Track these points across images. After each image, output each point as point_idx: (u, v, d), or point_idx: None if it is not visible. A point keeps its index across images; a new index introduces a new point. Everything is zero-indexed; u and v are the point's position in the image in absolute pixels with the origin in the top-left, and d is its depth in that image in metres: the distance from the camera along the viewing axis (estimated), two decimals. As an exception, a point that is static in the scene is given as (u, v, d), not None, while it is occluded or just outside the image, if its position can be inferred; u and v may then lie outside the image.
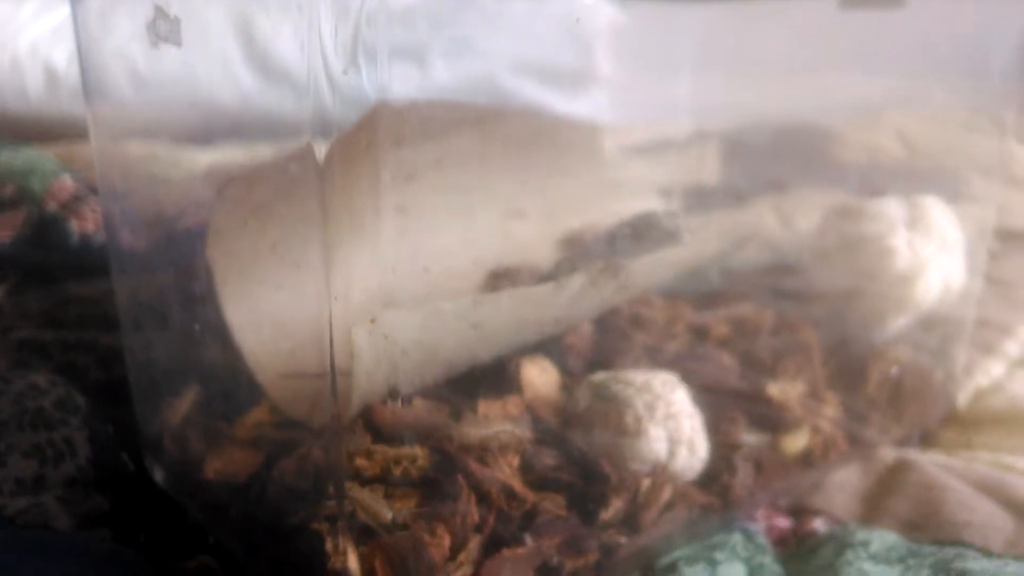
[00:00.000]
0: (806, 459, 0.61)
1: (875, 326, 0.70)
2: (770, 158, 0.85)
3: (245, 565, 0.51)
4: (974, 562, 0.51)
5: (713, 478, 0.56)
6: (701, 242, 0.65)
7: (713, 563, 0.53)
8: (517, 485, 0.46)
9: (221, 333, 0.58)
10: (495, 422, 0.48)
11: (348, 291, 0.64)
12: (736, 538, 0.55)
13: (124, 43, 0.54)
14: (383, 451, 0.45)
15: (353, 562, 0.42)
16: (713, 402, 0.60)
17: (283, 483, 0.46)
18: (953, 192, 0.73)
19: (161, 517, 0.57)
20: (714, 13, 0.92)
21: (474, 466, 0.45)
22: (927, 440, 0.73)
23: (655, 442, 0.51)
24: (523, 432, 0.49)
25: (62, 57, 1.26)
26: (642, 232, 0.58)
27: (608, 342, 0.64)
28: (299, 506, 0.45)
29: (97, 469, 0.61)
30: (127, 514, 0.58)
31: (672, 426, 0.52)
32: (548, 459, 0.49)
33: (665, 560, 0.53)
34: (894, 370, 0.67)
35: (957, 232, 0.69)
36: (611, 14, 1.33)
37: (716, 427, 0.58)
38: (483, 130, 0.73)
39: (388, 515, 0.43)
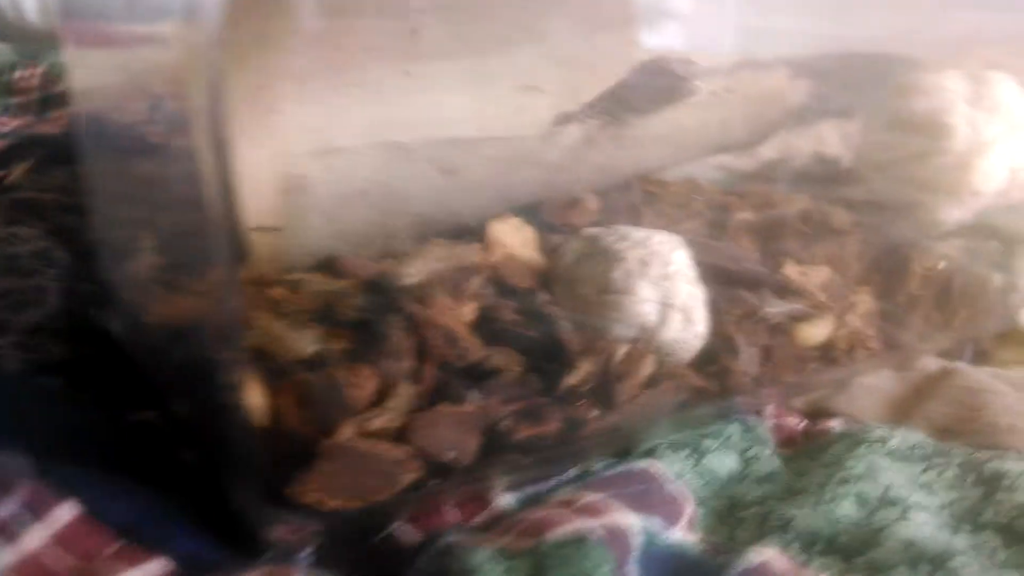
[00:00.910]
0: (826, 353, 0.52)
1: (927, 221, 0.60)
2: (840, 85, 0.78)
3: (181, 415, 0.46)
4: (1013, 463, 0.42)
5: (712, 359, 0.48)
6: (721, 113, 0.57)
7: (701, 451, 0.45)
8: (463, 332, 0.39)
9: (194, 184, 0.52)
10: (449, 265, 0.41)
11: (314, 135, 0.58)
12: (733, 428, 0.47)
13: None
14: (313, 283, 0.39)
15: (258, 400, 0.36)
16: (725, 281, 0.52)
17: (207, 321, 0.40)
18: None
19: (115, 370, 0.53)
20: None
21: (414, 307, 0.38)
22: (981, 357, 0.64)
23: (644, 303, 0.44)
24: (483, 282, 0.42)
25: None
26: (649, 80, 0.49)
27: (614, 216, 0.56)
28: (220, 344, 0.39)
29: (64, 320, 0.57)
30: (83, 365, 0.53)
31: (667, 287, 0.44)
32: (507, 313, 0.42)
33: (646, 444, 0.45)
34: (941, 266, 0.57)
35: (1030, 116, 0.59)
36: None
37: (723, 307, 0.50)
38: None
39: (308, 349, 0.37)
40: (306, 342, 0.37)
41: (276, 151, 0.55)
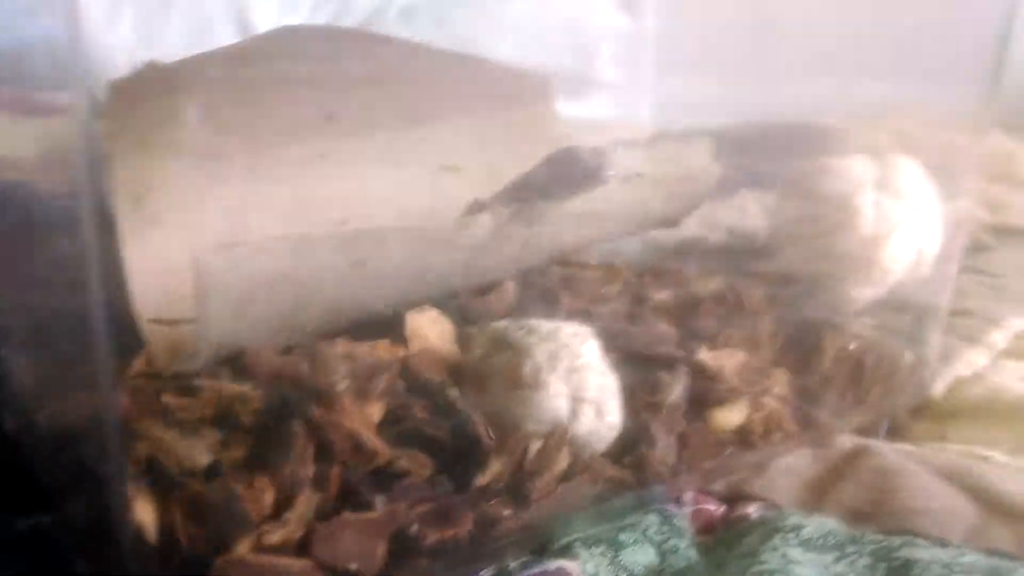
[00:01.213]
0: (743, 437, 0.52)
1: (839, 300, 0.61)
2: (760, 155, 0.80)
3: (76, 521, 0.44)
4: (923, 551, 0.43)
5: (627, 449, 0.47)
6: (638, 194, 0.57)
7: (617, 545, 0.44)
8: (368, 437, 0.37)
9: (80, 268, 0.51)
10: (356, 363, 0.40)
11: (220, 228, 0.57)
12: (650, 519, 0.47)
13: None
14: (211, 389, 0.37)
15: (147, 515, 0.34)
16: (640, 368, 0.52)
17: (91, 425, 0.38)
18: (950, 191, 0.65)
19: (6, 470, 0.50)
20: (721, 19, 0.88)
21: (317, 411, 0.37)
22: (896, 431, 0.64)
23: (554, 398, 0.43)
24: (392, 381, 0.41)
25: None
26: (560, 168, 0.49)
27: (530, 301, 0.56)
28: (104, 452, 0.38)
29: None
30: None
31: (577, 381, 0.44)
32: (419, 412, 0.41)
33: (562, 540, 0.44)
34: (852, 346, 0.58)
35: (933, 199, 0.61)
36: (615, 19, 1.28)
37: (638, 394, 0.49)
38: (416, 74, 0.66)
39: (204, 460, 0.36)
40: (200, 451, 0.36)
41: (177, 241, 0.53)
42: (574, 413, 0.43)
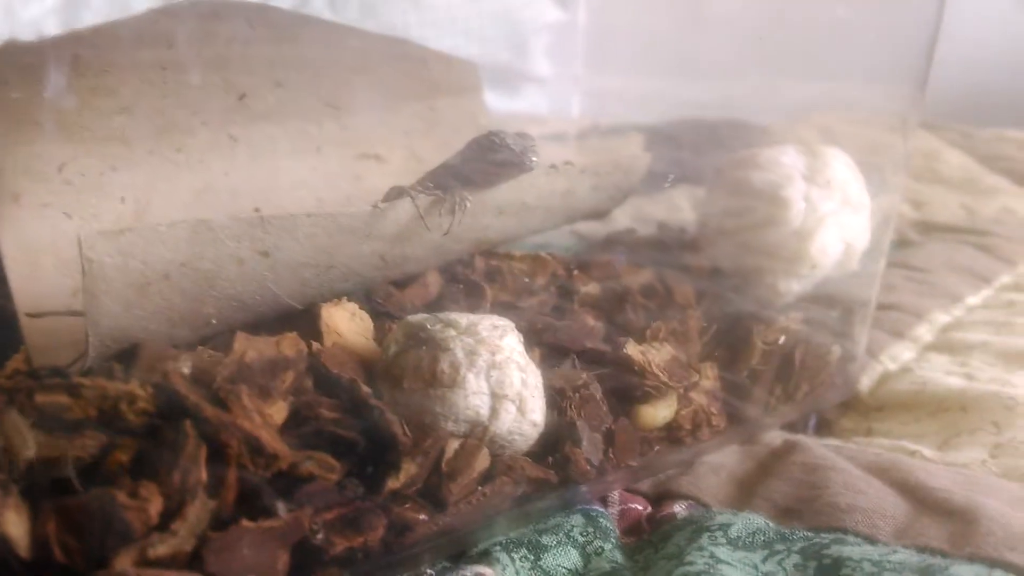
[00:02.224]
0: (671, 434, 0.51)
1: (768, 293, 0.60)
2: (689, 150, 0.80)
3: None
4: (853, 548, 0.41)
5: (551, 448, 0.45)
6: (566, 184, 0.55)
7: (538, 548, 0.42)
8: (268, 438, 0.34)
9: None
10: (259, 361, 0.37)
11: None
12: (574, 520, 0.44)
13: None
14: (93, 388, 0.34)
15: (18, 527, 0.30)
16: (567, 365, 0.50)
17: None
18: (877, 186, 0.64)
19: None
20: (655, 15, 0.87)
21: (210, 411, 0.34)
22: (824, 427, 0.64)
23: (473, 395, 0.41)
24: (298, 378, 0.38)
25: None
26: (483, 154, 0.47)
27: (453, 293, 0.53)
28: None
29: None
30: None
31: (497, 377, 0.41)
32: (327, 411, 0.38)
33: (481, 545, 0.42)
34: (781, 340, 0.57)
35: (863, 191, 0.60)
36: (548, 12, 1.26)
37: (562, 391, 0.47)
38: (337, 56, 0.63)
39: (81, 465, 0.32)
40: (75, 455, 0.32)
41: (65, 230, 0.49)
42: (494, 411, 0.41)
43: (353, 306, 0.46)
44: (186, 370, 0.35)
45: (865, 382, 0.67)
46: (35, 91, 0.50)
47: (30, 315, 0.46)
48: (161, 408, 0.34)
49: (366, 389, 0.39)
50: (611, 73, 0.95)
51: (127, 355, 0.42)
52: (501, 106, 0.81)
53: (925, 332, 0.75)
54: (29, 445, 0.31)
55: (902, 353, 0.72)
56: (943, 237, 1.01)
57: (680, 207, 0.96)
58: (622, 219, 0.72)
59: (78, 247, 0.39)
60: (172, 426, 0.34)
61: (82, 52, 0.50)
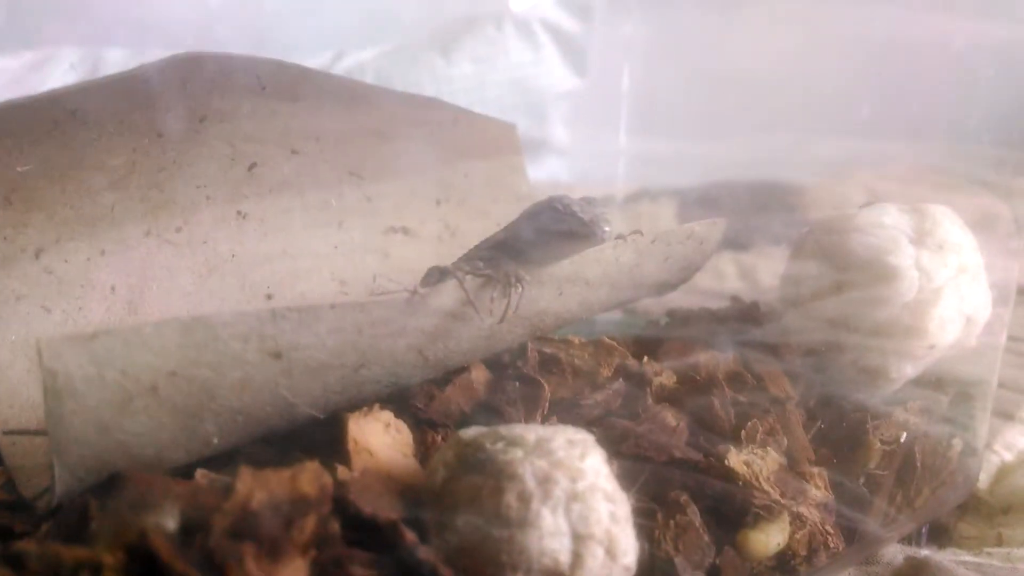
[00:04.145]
0: (784, 563, 0.40)
1: (874, 379, 0.50)
2: (732, 213, 0.72)
3: None
4: None
5: (646, 596, 0.35)
6: (634, 256, 0.46)
7: None
8: (283, 618, 0.25)
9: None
10: (269, 506, 0.27)
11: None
12: None
13: None
14: (44, 557, 0.24)
15: None
16: (651, 479, 0.40)
17: None
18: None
19: None
20: (683, 74, 0.82)
21: (203, 583, 0.24)
22: (940, 534, 0.53)
23: (550, 537, 0.31)
24: (322, 524, 0.28)
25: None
26: (543, 224, 0.38)
27: (505, 392, 0.44)
28: None
29: None
30: None
31: (580, 512, 0.31)
32: (359, 569, 0.28)
33: None
34: (903, 437, 0.47)
35: (976, 253, 0.50)
36: (568, 80, 1.20)
37: (652, 516, 0.37)
38: (359, 118, 0.54)
39: None
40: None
41: (46, 327, 0.41)
42: (578, 557, 0.31)
43: (388, 415, 0.37)
44: (171, 523, 0.26)
45: (983, 478, 0.56)
46: (5, 163, 0.42)
47: (8, 433, 0.37)
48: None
49: (410, 535, 0.29)
50: (639, 137, 0.89)
51: (107, 488, 0.32)
52: (535, 174, 0.73)
53: (1038, 413, 0.64)
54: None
55: (1017, 440, 0.61)
56: (1025, 301, 0.91)
57: (725, 274, 0.87)
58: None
59: (38, 355, 0.30)
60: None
61: (62, 116, 0.42)
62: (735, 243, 0.87)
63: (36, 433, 0.37)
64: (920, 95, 0.60)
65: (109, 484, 0.33)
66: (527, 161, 0.66)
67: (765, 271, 0.83)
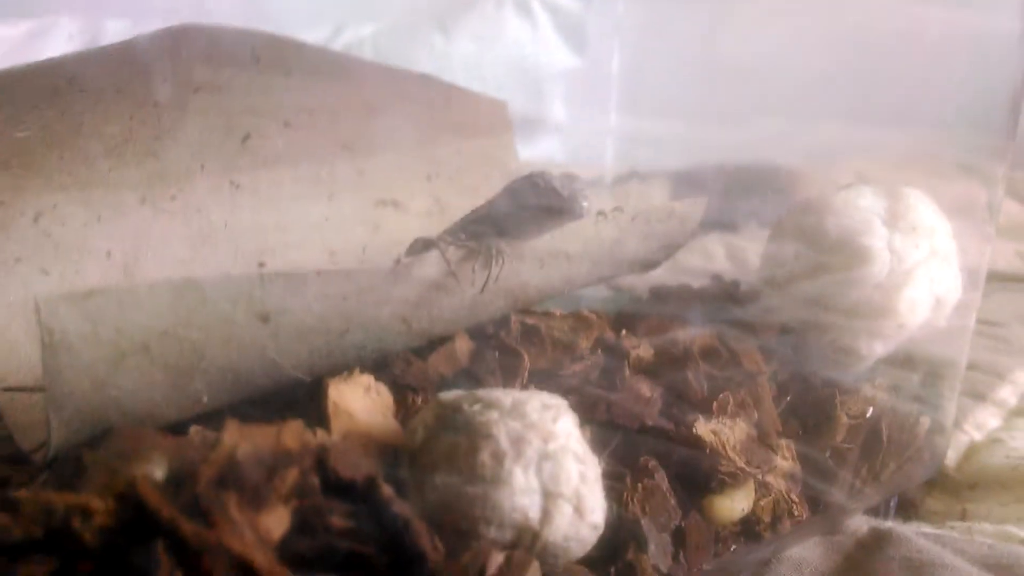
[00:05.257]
0: (747, 528, 0.42)
1: (846, 356, 0.52)
2: (723, 195, 0.73)
3: None
4: None
5: (611, 554, 0.36)
6: (615, 232, 0.47)
7: None
8: (263, 562, 0.26)
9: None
10: (253, 458, 0.29)
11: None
12: (642, 644, 0.36)
13: None
14: (35, 503, 0.26)
15: None
16: (622, 445, 0.41)
17: None
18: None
19: None
20: (677, 56, 0.82)
21: (188, 528, 0.26)
22: (908, 508, 0.55)
23: (522, 494, 0.33)
24: (303, 478, 0.30)
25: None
26: (524, 199, 0.39)
27: (486, 361, 0.45)
28: None
29: None
30: None
31: (550, 471, 0.33)
32: (339, 519, 0.30)
33: None
34: (869, 412, 0.48)
35: (949, 237, 0.52)
36: (567, 58, 1.21)
37: (622, 479, 0.39)
38: (352, 92, 0.56)
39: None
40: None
41: (42, 288, 0.42)
42: (547, 513, 0.33)
43: (368, 378, 0.38)
44: (159, 473, 0.28)
45: (951, 455, 0.58)
46: (5, 129, 0.43)
47: (5, 389, 0.38)
48: (126, 525, 0.26)
49: (387, 490, 0.31)
50: (635, 118, 0.90)
51: (101, 442, 0.34)
52: (526, 153, 0.75)
53: (1009, 395, 0.66)
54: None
55: (988, 420, 0.63)
56: (1006, 286, 0.93)
57: (713, 254, 0.88)
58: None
59: (36, 313, 0.32)
60: (140, 548, 0.26)
61: (61, 84, 0.43)
62: (725, 224, 0.88)
63: (33, 390, 0.39)
64: (911, 81, 0.60)
65: (103, 438, 0.34)
66: (524, 139, 0.67)
67: (753, 252, 0.85)
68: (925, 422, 0.52)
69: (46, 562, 0.26)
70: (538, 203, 0.39)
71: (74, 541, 0.26)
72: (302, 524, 0.29)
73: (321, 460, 0.30)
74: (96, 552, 0.26)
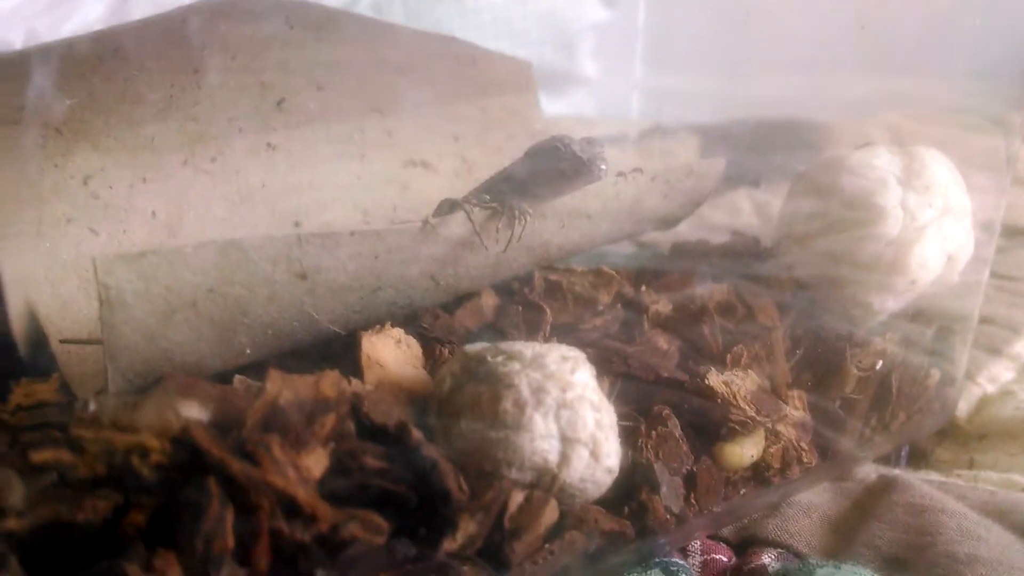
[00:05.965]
0: (757, 474, 0.44)
1: (859, 310, 0.53)
2: (749, 151, 0.74)
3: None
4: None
5: (626, 495, 0.39)
6: (635, 191, 0.49)
7: (615, 614, 0.36)
8: (304, 496, 0.29)
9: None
10: (294, 404, 0.32)
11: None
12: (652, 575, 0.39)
13: None
14: (97, 442, 0.29)
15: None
16: (638, 395, 0.44)
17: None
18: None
19: None
20: (707, 11, 0.82)
21: (237, 467, 0.29)
22: (918, 458, 0.57)
23: (541, 439, 0.35)
24: (340, 423, 0.33)
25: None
26: (546, 162, 0.41)
27: (510, 315, 0.47)
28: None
29: None
30: None
31: (568, 418, 0.36)
32: (373, 461, 0.32)
33: (550, 609, 0.36)
34: (878, 365, 0.50)
35: (963, 195, 0.53)
36: (596, 11, 1.20)
37: (637, 427, 0.41)
38: (382, 56, 0.57)
39: (81, 530, 0.27)
40: (86, 518, 0.27)
41: (93, 246, 0.45)
42: (565, 457, 0.35)
43: (398, 332, 0.41)
44: (203, 418, 0.30)
45: (963, 407, 0.60)
46: (57, 97, 0.46)
47: (64, 341, 0.41)
48: (179, 462, 0.29)
49: (417, 434, 0.33)
50: (665, 72, 0.90)
51: (154, 386, 0.37)
52: (549, 108, 0.76)
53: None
54: (19, 508, 0.26)
55: (1001, 374, 0.64)
56: (1028, 242, 0.93)
57: (740, 210, 0.89)
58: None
59: (94, 271, 0.34)
60: (193, 484, 0.28)
61: (106, 53, 0.45)
62: (752, 180, 0.89)
63: (88, 342, 0.42)
64: (943, 32, 0.60)
65: (153, 385, 0.37)
66: (554, 94, 0.68)
67: (779, 208, 0.86)
68: (935, 375, 0.54)
69: (111, 497, 0.29)
70: (559, 166, 0.41)
71: (134, 477, 0.29)
72: (339, 465, 0.32)
73: (356, 407, 0.33)
74: (154, 487, 0.29)
